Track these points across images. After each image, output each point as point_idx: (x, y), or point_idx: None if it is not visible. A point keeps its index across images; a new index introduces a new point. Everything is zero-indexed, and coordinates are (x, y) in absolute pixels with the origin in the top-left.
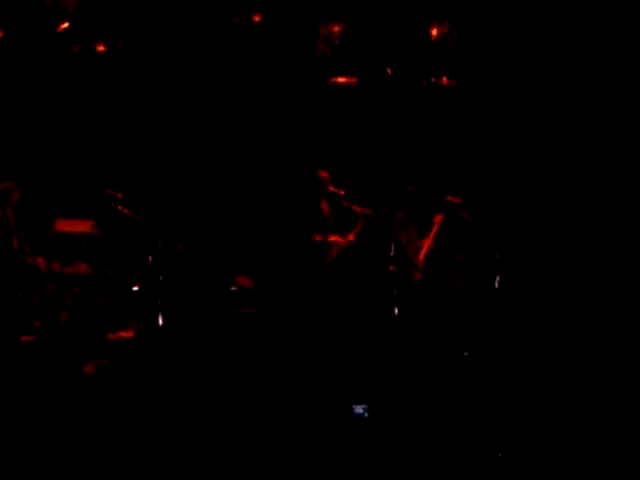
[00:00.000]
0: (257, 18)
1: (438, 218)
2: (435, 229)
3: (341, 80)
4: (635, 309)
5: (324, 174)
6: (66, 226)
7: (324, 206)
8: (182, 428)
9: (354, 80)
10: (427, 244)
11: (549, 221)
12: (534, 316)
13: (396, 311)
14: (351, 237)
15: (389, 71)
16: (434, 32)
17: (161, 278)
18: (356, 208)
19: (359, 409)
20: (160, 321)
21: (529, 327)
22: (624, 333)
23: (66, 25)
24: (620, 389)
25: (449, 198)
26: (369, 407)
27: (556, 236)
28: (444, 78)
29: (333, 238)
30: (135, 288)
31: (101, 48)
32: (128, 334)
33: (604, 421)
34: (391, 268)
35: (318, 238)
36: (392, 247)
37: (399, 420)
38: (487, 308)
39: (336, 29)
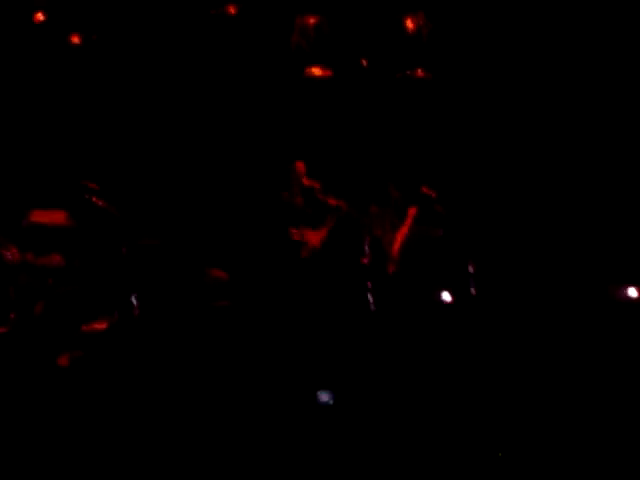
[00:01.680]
0: (232, 10)
1: (412, 211)
2: (409, 221)
3: (316, 72)
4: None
5: (299, 166)
6: (40, 217)
7: (298, 199)
8: (156, 419)
9: (329, 72)
10: (401, 236)
11: (526, 213)
12: (509, 311)
13: (370, 303)
14: (324, 232)
15: (364, 63)
16: (409, 24)
17: (135, 270)
18: (331, 201)
19: (325, 397)
20: (134, 313)
21: (504, 321)
22: (611, 321)
23: (41, 17)
24: (614, 383)
25: (424, 190)
26: (337, 396)
27: (533, 229)
28: (419, 70)
29: (306, 231)
30: (109, 280)
31: (76, 40)
32: (102, 326)
33: (602, 419)
34: (365, 261)
35: (292, 231)
36: (366, 240)
37: (368, 409)
38: (462, 301)
39: (311, 21)
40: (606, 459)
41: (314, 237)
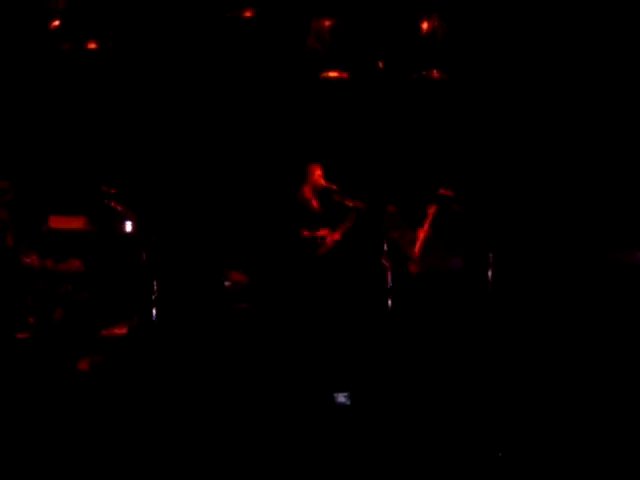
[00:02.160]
0: (249, 13)
1: (431, 210)
2: (428, 221)
3: (332, 74)
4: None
5: (316, 168)
6: (59, 223)
7: (315, 200)
8: (177, 423)
9: (345, 74)
10: (421, 237)
11: (541, 213)
12: (527, 308)
13: (390, 304)
14: (342, 233)
15: (380, 65)
16: (424, 26)
17: (154, 274)
18: (348, 202)
19: (342, 398)
20: (154, 317)
21: (522, 319)
22: (617, 321)
23: (57, 23)
24: (616, 382)
25: (441, 191)
26: (355, 397)
27: (549, 227)
28: (435, 71)
29: (322, 233)
30: (128, 284)
31: (92, 46)
32: (122, 330)
33: (602, 418)
34: (384, 261)
35: (307, 233)
36: (384, 240)
37: (390, 412)
38: (481, 301)
39: (327, 24)
40: (606, 459)
41: (332, 238)
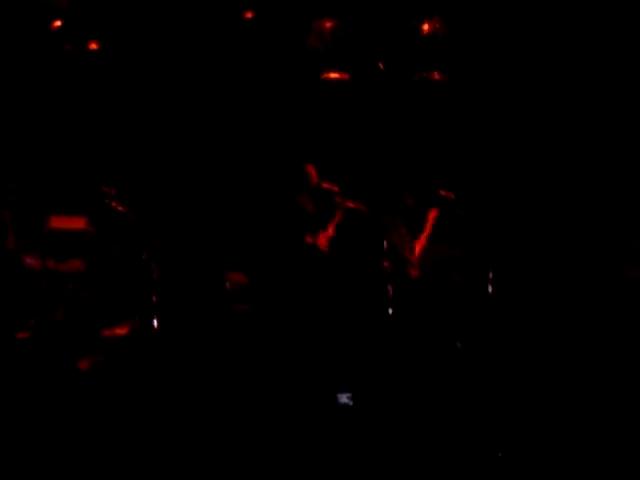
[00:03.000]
0: (249, 14)
1: (432, 214)
2: (429, 225)
3: (333, 75)
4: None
5: (312, 170)
6: (60, 223)
7: (314, 202)
8: (178, 424)
9: (346, 76)
10: (422, 240)
11: (543, 216)
12: (529, 311)
13: (390, 307)
14: (341, 235)
15: (381, 66)
16: (425, 27)
17: (155, 274)
18: (349, 204)
19: (344, 398)
20: (155, 317)
21: (524, 322)
22: (620, 327)
23: (58, 23)
24: (618, 384)
25: (442, 193)
26: (358, 398)
27: (551, 230)
28: (436, 73)
29: (324, 235)
30: (129, 285)
31: (94, 46)
32: (123, 330)
33: (603, 419)
34: (385, 264)
35: (310, 235)
36: (385, 243)
37: (392, 412)
38: (482, 303)
39: (328, 25)
40: (606, 459)
41: (332, 240)
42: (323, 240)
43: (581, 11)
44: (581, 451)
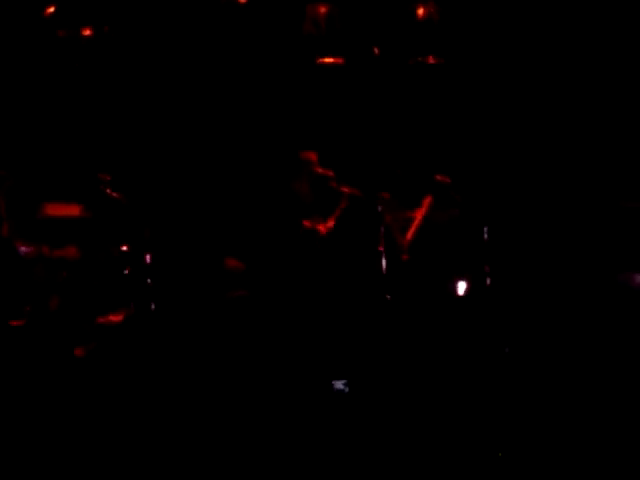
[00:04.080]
0: None
1: (427, 199)
2: (424, 210)
3: (328, 60)
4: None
5: (310, 155)
6: (55, 210)
7: (310, 187)
8: (173, 411)
9: (341, 60)
10: (415, 225)
11: (540, 203)
12: (524, 298)
13: (385, 291)
14: (337, 220)
15: (376, 51)
16: (420, 11)
17: (151, 261)
18: (344, 189)
19: (339, 385)
20: (151, 304)
21: (519, 309)
22: (616, 320)
23: (52, 10)
24: (617, 382)
25: (438, 178)
26: (353, 384)
27: (547, 216)
28: (431, 57)
29: (320, 220)
30: (125, 271)
31: (87, 32)
32: (118, 317)
33: (601, 420)
34: (380, 248)
35: (308, 224)
36: (380, 228)
37: (380, 398)
38: (477, 290)
39: (322, 10)
40: (606, 459)
41: (327, 225)
42: (322, 229)
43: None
44: (579, 451)
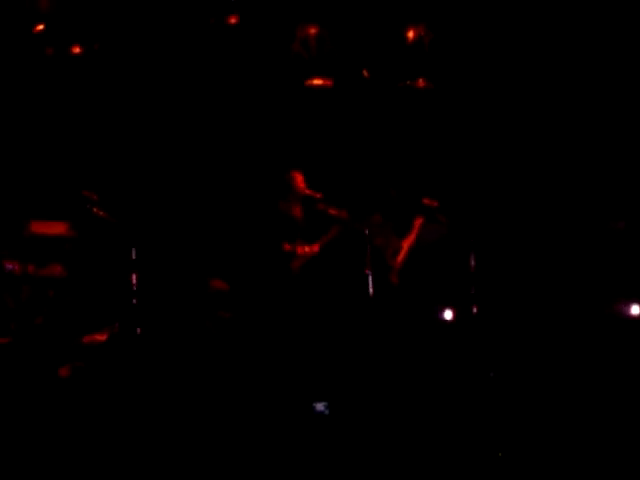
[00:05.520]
0: (233, 20)
1: (418, 222)
2: (414, 232)
3: (317, 82)
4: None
5: (298, 176)
6: (41, 228)
7: (298, 209)
8: (157, 429)
9: (330, 82)
10: (406, 247)
11: (527, 224)
12: (511, 316)
13: (372, 313)
14: (325, 242)
15: (365, 73)
16: (410, 34)
17: (136, 281)
18: (332, 211)
19: (320, 407)
20: (135, 324)
21: (507, 326)
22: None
23: (41, 27)
24: (613, 386)
25: (426, 201)
26: (334, 406)
27: (534, 238)
28: (421, 80)
29: (301, 246)
30: (110, 290)
31: (77, 50)
32: (103, 337)
33: (602, 420)
34: (367, 271)
35: (289, 247)
36: (368, 250)
37: (365, 421)
38: (464, 311)
39: (312, 31)
40: (606, 459)
41: (315, 247)
42: (308, 251)
43: (567, 22)
44: (579, 451)
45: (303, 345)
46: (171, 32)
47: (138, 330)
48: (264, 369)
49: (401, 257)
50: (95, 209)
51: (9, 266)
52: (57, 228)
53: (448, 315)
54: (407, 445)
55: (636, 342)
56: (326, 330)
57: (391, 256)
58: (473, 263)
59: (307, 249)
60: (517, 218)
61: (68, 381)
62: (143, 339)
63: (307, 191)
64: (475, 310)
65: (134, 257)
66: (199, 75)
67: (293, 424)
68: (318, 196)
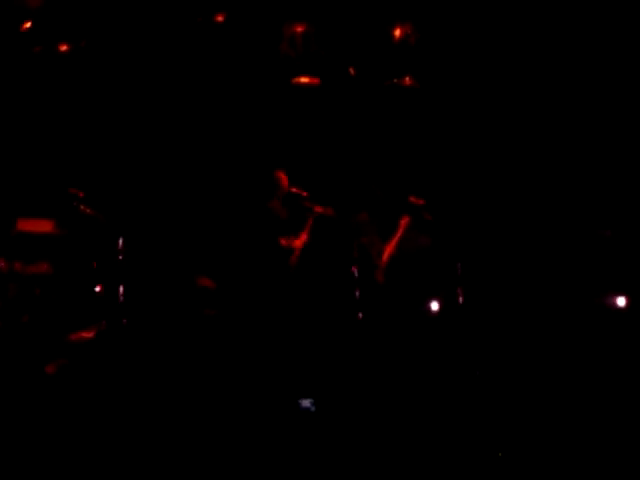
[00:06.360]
0: (220, 18)
1: (404, 220)
2: (400, 231)
3: (304, 80)
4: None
5: (282, 175)
6: (27, 226)
7: (284, 207)
8: (144, 426)
9: (317, 80)
10: (391, 246)
11: (514, 223)
12: (498, 318)
13: (358, 312)
14: (310, 240)
15: (352, 71)
16: (397, 32)
17: (123, 278)
18: (318, 209)
19: (306, 404)
20: (122, 321)
21: (493, 329)
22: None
23: (28, 25)
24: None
25: (412, 200)
26: (320, 403)
27: (521, 237)
28: (407, 79)
29: (293, 240)
30: (97, 288)
31: (64, 48)
32: (90, 334)
33: (601, 420)
34: (353, 269)
35: (279, 239)
36: (354, 248)
37: (353, 418)
38: (450, 310)
39: (299, 29)
40: (606, 459)
41: (301, 245)
42: (298, 243)
43: (557, 20)
44: (581, 451)
45: (288, 342)
46: (158, 30)
47: (125, 327)
48: (250, 365)
49: (386, 256)
50: (82, 206)
51: None
52: (43, 226)
53: (434, 306)
54: (393, 441)
55: (622, 333)
56: (312, 327)
57: (377, 254)
58: (459, 261)
59: (296, 241)
60: (504, 216)
61: (55, 379)
62: (130, 336)
63: (293, 189)
64: (461, 301)
65: (120, 256)
66: (186, 73)
67: (279, 421)
68: (304, 194)
